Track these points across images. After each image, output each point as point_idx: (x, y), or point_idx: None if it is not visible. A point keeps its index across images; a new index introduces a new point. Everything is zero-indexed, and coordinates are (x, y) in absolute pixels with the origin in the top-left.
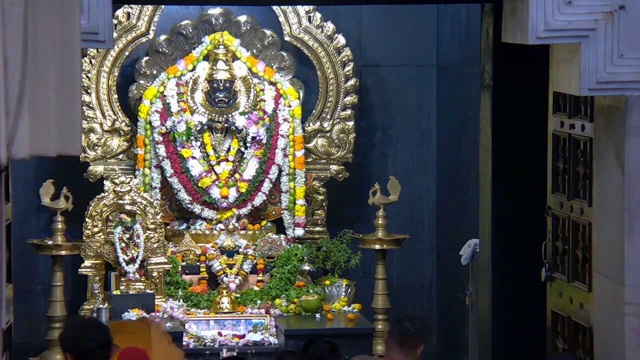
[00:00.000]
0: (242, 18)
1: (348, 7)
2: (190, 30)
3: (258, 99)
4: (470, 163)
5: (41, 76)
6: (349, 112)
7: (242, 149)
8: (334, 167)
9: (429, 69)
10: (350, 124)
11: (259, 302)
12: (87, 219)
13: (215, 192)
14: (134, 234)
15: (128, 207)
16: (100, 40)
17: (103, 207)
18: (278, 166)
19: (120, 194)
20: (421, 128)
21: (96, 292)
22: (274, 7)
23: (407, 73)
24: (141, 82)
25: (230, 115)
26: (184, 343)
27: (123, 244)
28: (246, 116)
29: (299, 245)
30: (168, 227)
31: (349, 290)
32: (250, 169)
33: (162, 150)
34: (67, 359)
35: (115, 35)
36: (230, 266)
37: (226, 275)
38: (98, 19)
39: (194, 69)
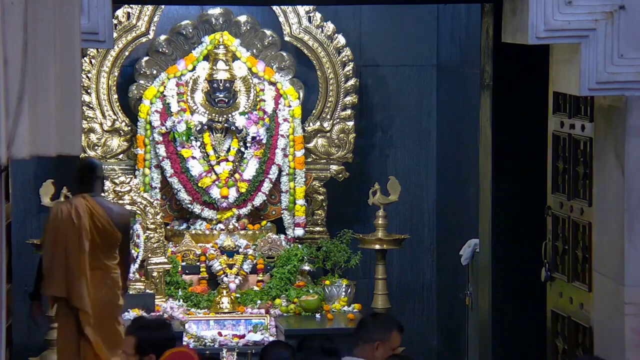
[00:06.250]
0: (242, 18)
1: (348, 7)
2: (190, 30)
3: (258, 99)
4: (470, 163)
5: (41, 76)
6: (349, 112)
7: (242, 149)
8: (334, 167)
9: (429, 69)
10: (350, 124)
11: (259, 302)
12: None
13: (215, 192)
14: (134, 234)
15: (128, 207)
16: (100, 40)
17: None
18: (278, 166)
19: (120, 194)
20: (421, 128)
21: None
22: (274, 7)
23: (407, 73)
24: (141, 82)
25: (230, 115)
26: (184, 343)
27: None
28: (246, 116)
29: (299, 245)
30: (168, 227)
31: (349, 290)
32: (250, 169)
33: (162, 150)
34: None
35: (115, 35)
36: (230, 266)
37: (226, 275)
38: (98, 19)
39: (194, 69)
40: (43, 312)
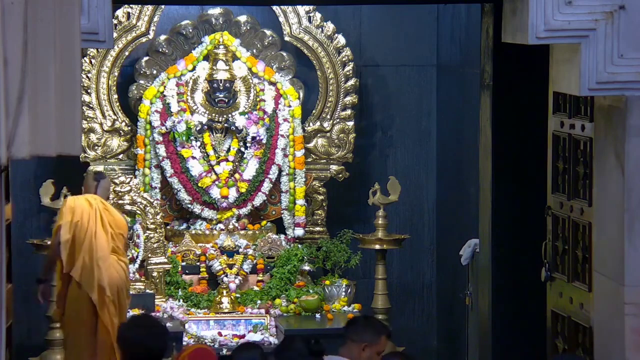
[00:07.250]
0: (242, 18)
1: (348, 7)
2: (190, 30)
3: (258, 99)
4: (470, 163)
5: (41, 76)
6: (349, 112)
7: (242, 149)
8: (334, 167)
9: (429, 69)
10: (350, 124)
11: (259, 302)
12: None
13: (215, 192)
14: (134, 234)
15: (128, 207)
16: (100, 40)
17: None
18: (278, 166)
19: (120, 194)
20: (421, 128)
21: None
22: (274, 7)
23: (407, 73)
24: (141, 82)
25: (230, 115)
26: (184, 343)
27: None
28: (246, 116)
29: (299, 245)
30: (168, 227)
31: (349, 290)
32: (250, 169)
33: (162, 150)
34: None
35: (115, 35)
36: (230, 266)
37: (226, 275)
38: (98, 19)
39: (194, 69)
40: (51, 294)
